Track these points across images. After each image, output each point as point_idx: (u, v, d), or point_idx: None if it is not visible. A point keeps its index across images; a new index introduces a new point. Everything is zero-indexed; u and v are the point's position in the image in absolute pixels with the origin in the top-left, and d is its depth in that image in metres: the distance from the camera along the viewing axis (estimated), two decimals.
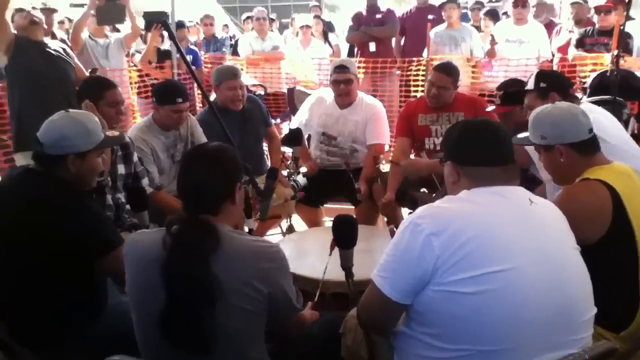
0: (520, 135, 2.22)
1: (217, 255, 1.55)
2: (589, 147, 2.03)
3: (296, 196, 3.35)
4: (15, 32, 3.81)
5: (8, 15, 3.72)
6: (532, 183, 2.78)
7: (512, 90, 3.13)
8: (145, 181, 2.99)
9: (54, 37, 5.29)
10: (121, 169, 2.87)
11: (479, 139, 1.68)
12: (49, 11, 5.43)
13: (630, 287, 1.91)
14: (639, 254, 1.90)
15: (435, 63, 4.61)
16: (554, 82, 2.75)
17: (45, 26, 4.14)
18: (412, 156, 3.76)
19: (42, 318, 1.93)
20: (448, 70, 3.52)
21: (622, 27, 4.27)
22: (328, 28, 7.44)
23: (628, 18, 4.22)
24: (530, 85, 2.77)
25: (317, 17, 7.21)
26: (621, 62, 4.42)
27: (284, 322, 1.77)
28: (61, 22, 7.92)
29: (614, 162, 2.06)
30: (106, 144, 2.20)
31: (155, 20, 4.79)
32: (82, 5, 5.78)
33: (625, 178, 2.00)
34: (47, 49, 3.88)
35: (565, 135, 2.02)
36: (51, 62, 3.88)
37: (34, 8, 4.08)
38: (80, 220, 1.94)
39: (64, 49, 4.03)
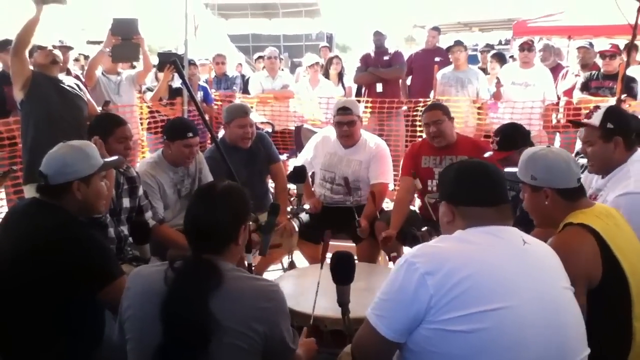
0: (508, 169, 2.22)
1: (218, 293, 1.56)
2: (575, 194, 2.05)
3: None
4: (32, 67, 3.91)
5: (26, 51, 3.82)
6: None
7: (508, 135, 3.16)
8: (148, 214, 3.05)
9: (68, 73, 5.44)
10: (126, 202, 2.93)
11: (473, 180, 1.72)
12: (65, 48, 5.60)
13: (623, 328, 1.91)
14: (632, 296, 1.90)
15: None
16: (622, 126, 2.45)
17: (61, 63, 4.26)
18: (415, 196, 3.80)
19: (38, 350, 1.92)
20: (435, 106, 3.69)
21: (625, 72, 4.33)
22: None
23: (629, 64, 4.28)
24: (595, 121, 2.45)
25: (336, 57, 7.29)
26: (625, 106, 4.47)
27: None
28: (76, 60, 8.11)
29: (596, 204, 2.08)
30: (107, 166, 2.28)
31: (167, 60, 4.92)
32: (98, 42, 5.94)
33: (606, 217, 2.01)
34: (62, 85, 3.97)
35: (555, 180, 2.03)
36: (65, 98, 3.96)
37: (54, 46, 4.19)
38: (83, 251, 1.96)
39: (77, 85, 4.13)
